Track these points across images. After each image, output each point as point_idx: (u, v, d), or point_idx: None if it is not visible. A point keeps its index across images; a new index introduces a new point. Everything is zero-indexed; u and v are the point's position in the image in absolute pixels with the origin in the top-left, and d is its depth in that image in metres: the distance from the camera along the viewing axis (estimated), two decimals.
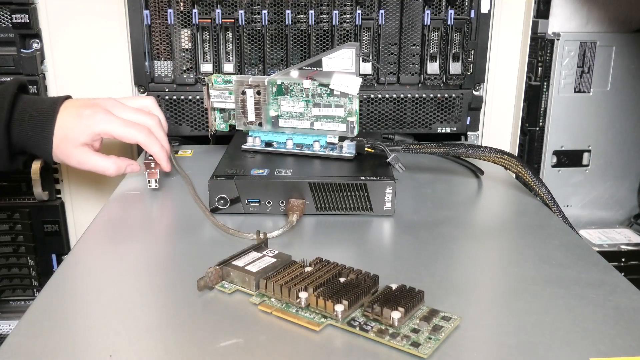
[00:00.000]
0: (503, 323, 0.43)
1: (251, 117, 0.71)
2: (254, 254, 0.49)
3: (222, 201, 0.61)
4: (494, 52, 0.86)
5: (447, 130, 0.88)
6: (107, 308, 0.45)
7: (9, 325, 0.88)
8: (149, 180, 0.68)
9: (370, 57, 0.83)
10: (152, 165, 0.68)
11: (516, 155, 0.82)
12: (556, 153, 0.90)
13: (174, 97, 0.84)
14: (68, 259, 0.53)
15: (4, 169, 0.69)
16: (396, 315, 0.41)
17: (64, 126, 0.66)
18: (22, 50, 0.79)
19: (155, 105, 0.73)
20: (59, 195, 0.87)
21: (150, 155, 0.69)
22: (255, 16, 0.81)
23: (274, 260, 0.49)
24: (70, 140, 0.66)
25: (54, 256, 0.88)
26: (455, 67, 0.84)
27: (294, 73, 0.68)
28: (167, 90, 0.84)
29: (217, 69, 0.83)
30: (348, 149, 0.69)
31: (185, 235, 0.58)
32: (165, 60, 0.83)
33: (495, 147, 0.68)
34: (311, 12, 0.80)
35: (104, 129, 0.67)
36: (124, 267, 0.52)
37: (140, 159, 0.80)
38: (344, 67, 0.66)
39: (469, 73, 0.85)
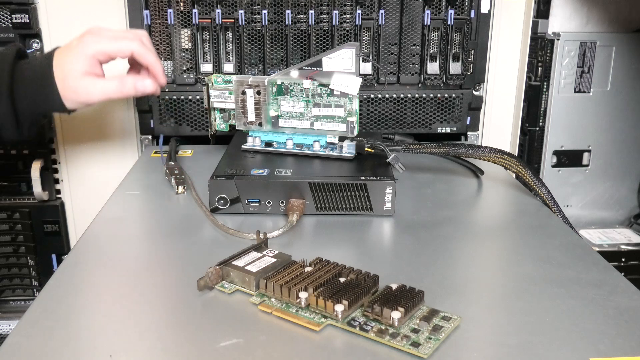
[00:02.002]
0: (503, 323, 0.43)
1: (251, 117, 0.71)
2: (254, 254, 0.49)
3: (222, 201, 0.61)
4: (494, 52, 0.86)
5: (447, 130, 0.88)
6: (107, 308, 0.45)
7: (9, 325, 0.88)
8: (177, 187, 0.67)
9: (370, 57, 0.83)
10: (176, 171, 0.68)
11: (516, 155, 0.82)
12: (556, 153, 0.90)
13: (174, 97, 0.84)
14: (68, 259, 0.53)
15: (13, 137, 0.66)
16: (396, 315, 0.41)
17: (60, 64, 0.64)
18: None
19: (146, 35, 0.69)
20: (59, 195, 0.87)
21: (171, 162, 0.68)
22: (255, 16, 0.81)
23: (274, 260, 0.49)
24: (70, 74, 0.63)
25: (54, 256, 0.88)
26: (455, 67, 0.84)
27: (294, 73, 0.68)
28: (167, 90, 0.84)
29: (217, 69, 0.83)
30: (348, 149, 0.69)
31: (185, 235, 0.58)
32: (165, 60, 0.83)
33: (495, 147, 0.68)
34: (311, 12, 0.80)
35: (96, 49, 0.64)
36: (124, 267, 0.52)
37: (145, 155, 0.80)
38: (344, 67, 0.66)
39: (469, 73, 0.85)
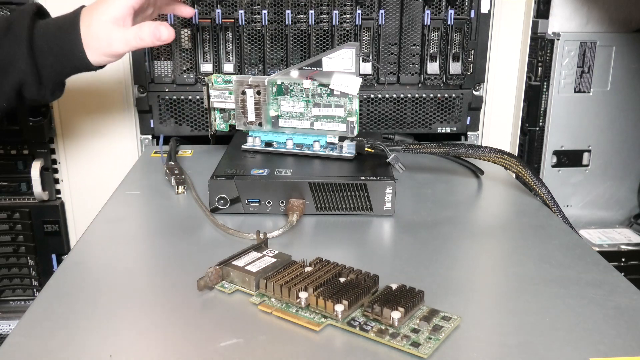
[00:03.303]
0: (503, 323, 0.43)
1: (251, 117, 0.71)
2: (254, 254, 0.49)
3: (222, 201, 0.61)
4: (494, 52, 0.86)
5: (447, 130, 0.88)
6: (107, 308, 0.45)
7: (9, 325, 0.88)
8: (177, 187, 0.67)
9: (370, 57, 0.83)
10: (176, 171, 0.68)
11: (516, 155, 0.82)
12: (556, 153, 0.90)
13: (174, 97, 0.84)
14: (68, 259, 0.53)
15: (36, 97, 0.63)
16: (396, 315, 0.41)
17: (90, 12, 0.62)
18: None
19: None
20: (59, 195, 0.87)
21: (171, 162, 0.68)
22: (255, 16, 0.81)
23: (274, 260, 0.49)
24: (98, 20, 0.62)
25: (54, 256, 0.88)
26: (455, 67, 0.84)
27: (294, 73, 0.68)
28: (167, 90, 0.84)
29: (217, 69, 0.83)
30: (348, 149, 0.69)
31: (185, 235, 0.58)
32: (165, 60, 0.83)
33: (495, 147, 0.68)
34: (311, 12, 0.80)
35: None
36: (124, 267, 0.52)
37: (145, 155, 0.80)
38: (344, 67, 0.66)
39: (469, 73, 0.85)
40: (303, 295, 0.43)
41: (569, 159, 0.91)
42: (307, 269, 0.47)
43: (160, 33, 0.63)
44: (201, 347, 0.39)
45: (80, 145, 0.86)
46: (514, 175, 0.72)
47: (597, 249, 0.72)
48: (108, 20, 0.62)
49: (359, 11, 0.81)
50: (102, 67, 0.65)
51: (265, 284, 0.45)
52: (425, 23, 0.82)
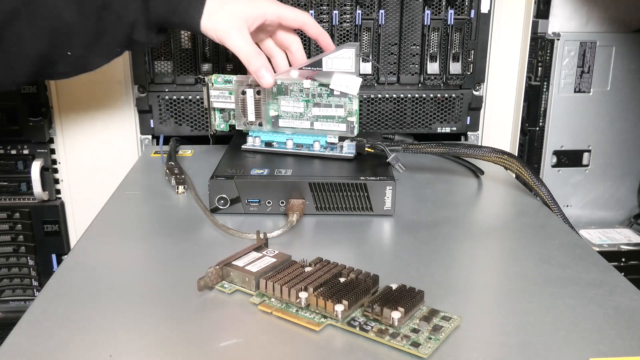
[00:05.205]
0: (503, 323, 0.43)
1: (251, 117, 0.71)
2: (254, 254, 0.49)
3: (222, 201, 0.61)
4: (494, 52, 0.86)
5: (447, 130, 0.88)
6: (107, 308, 0.45)
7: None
8: (177, 187, 0.67)
9: (370, 57, 0.83)
10: (176, 171, 0.68)
11: (516, 155, 0.82)
12: (556, 153, 0.90)
13: (174, 97, 0.84)
14: (68, 259, 0.53)
15: (144, 40, 0.64)
16: (396, 315, 0.41)
17: None
18: None
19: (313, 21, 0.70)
20: (59, 195, 0.87)
21: (171, 162, 0.67)
22: None
23: (274, 260, 0.49)
24: (230, 13, 0.63)
25: (54, 256, 0.88)
26: (455, 67, 0.84)
27: (294, 73, 0.68)
28: (167, 90, 0.84)
29: (217, 69, 0.82)
30: (348, 149, 0.69)
31: (185, 235, 0.58)
32: (165, 60, 0.83)
33: (495, 147, 0.68)
34: (311, 12, 0.80)
35: (274, 10, 0.65)
36: (124, 267, 0.52)
37: (145, 155, 0.80)
38: (344, 67, 0.66)
39: (469, 73, 0.85)
40: (303, 295, 0.43)
41: (569, 159, 0.91)
42: (307, 269, 0.47)
43: (264, 77, 0.65)
44: (201, 347, 0.39)
45: (80, 145, 0.86)
46: (514, 175, 0.72)
47: (597, 249, 0.72)
48: (241, 16, 0.63)
49: (359, 11, 0.81)
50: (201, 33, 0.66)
51: (265, 284, 0.45)
52: (425, 23, 0.82)
